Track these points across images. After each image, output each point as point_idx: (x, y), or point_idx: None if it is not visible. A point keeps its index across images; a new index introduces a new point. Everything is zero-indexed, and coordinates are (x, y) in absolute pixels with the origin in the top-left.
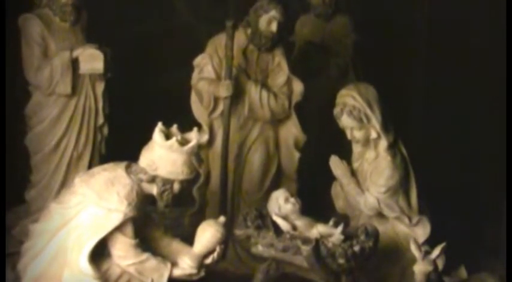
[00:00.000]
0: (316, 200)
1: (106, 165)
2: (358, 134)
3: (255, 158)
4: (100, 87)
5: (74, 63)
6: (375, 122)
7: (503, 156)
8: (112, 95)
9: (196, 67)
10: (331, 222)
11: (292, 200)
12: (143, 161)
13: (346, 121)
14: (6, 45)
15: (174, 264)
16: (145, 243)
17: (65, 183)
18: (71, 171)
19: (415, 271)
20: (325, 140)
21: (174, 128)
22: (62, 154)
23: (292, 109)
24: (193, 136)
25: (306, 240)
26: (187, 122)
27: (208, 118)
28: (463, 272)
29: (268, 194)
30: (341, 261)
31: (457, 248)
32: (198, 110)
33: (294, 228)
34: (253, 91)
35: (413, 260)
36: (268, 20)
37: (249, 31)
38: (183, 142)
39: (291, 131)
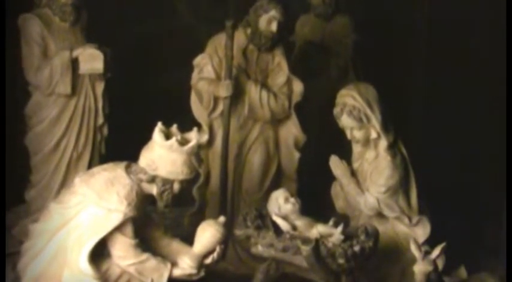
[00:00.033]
0: (316, 200)
1: (106, 165)
2: (358, 134)
3: (255, 158)
4: (100, 87)
5: (74, 63)
6: (375, 122)
7: (503, 156)
8: (112, 95)
9: (196, 67)
10: (331, 222)
11: (292, 200)
12: (143, 161)
13: (346, 121)
14: (6, 45)
15: (174, 264)
16: (145, 243)
17: (64, 183)
18: (71, 171)
19: (415, 271)
20: (325, 140)
21: (174, 128)
22: (61, 154)
23: (292, 109)
24: (193, 136)
25: (305, 240)
26: (187, 122)
27: (208, 118)
28: (463, 272)
29: (268, 194)
30: (341, 261)
31: (457, 248)
32: (198, 110)
33: (294, 228)
34: (253, 91)
35: (413, 260)
36: (268, 20)
37: (248, 31)
38: (183, 142)
39: (291, 131)
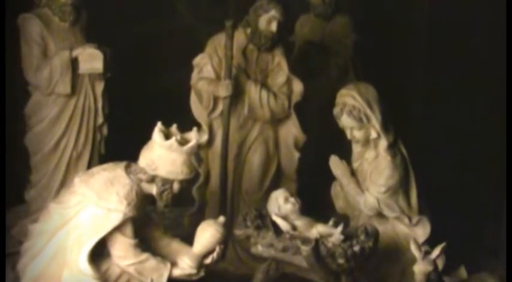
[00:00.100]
0: (316, 200)
1: (105, 165)
2: (358, 134)
3: (255, 158)
4: (99, 87)
5: (74, 63)
6: (375, 122)
7: (503, 156)
8: (112, 95)
9: (195, 67)
10: (331, 222)
11: (291, 199)
12: (143, 161)
13: (346, 121)
14: (6, 45)
15: (173, 264)
16: (144, 243)
17: (64, 183)
18: (71, 171)
19: (415, 271)
20: (325, 140)
21: (174, 128)
22: (61, 154)
23: (292, 109)
24: (193, 136)
25: (305, 240)
26: (187, 122)
27: (207, 118)
28: (463, 272)
29: (267, 194)
30: (341, 261)
31: (457, 248)
32: (198, 109)
33: (294, 228)
34: (253, 91)
35: (413, 260)
36: (268, 20)
37: (248, 31)
38: (183, 142)
39: (291, 130)
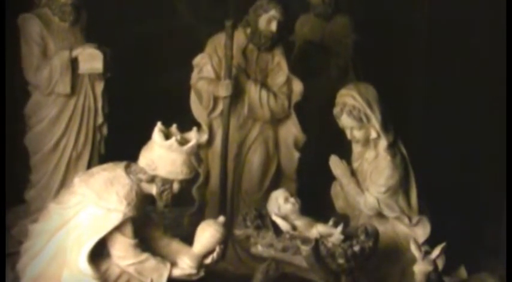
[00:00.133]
0: (316, 200)
1: (105, 165)
2: (358, 134)
3: (255, 158)
4: (99, 87)
5: (73, 63)
6: (375, 122)
7: (503, 156)
8: (111, 95)
9: (195, 67)
10: (330, 222)
11: (291, 199)
12: (142, 161)
13: (346, 121)
14: (6, 45)
15: (173, 264)
16: (144, 243)
17: (64, 183)
18: (70, 171)
19: (415, 271)
20: (325, 140)
21: (174, 128)
22: (61, 154)
23: (292, 109)
24: (193, 136)
25: (305, 240)
26: (187, 122)
27: (207, 118)
28: (463, 272)
29: (267, 193)
30: (341, 261)
31: (457, 248)
32: (198, 109)
33: (294, 228)
34: (253, 91)
35: (413, 260)
36: (268, 20)
37: (248, 31)
38: (183, 142)
39: (291, 130)
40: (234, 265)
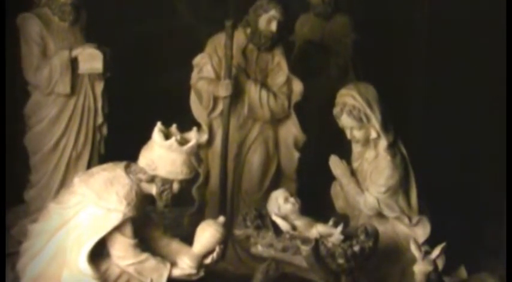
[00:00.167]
0: (315, 200)
1: (105, 165)
2: (357, 134)
3: (255, 158)
4: (99, 86)
5: (73, 62)
6: (375, 122)
7: (503, 156)
8: (111, 95)
9: (195, 67)
10: (330, 222)
11: (291, 199)
12: (142, 161)
13: (345, 121)
14: (6, 45)
15: (173, 264)
16: (144, 243)
17: (64, 183)
18: (70, 171)
19: (415, 271)
20: (325, 140)
21: (174, 128)
22: (61, 154)
23: (292, 109)
24: (193, 136)
25: (305, 240)
26: (187, 122)
27: (207, 118)
28: (463, 272)
29: (267, 193)
30: (341, 261)
31: (457, 248)
32: (198, 109)
33: (294, 228)
34: (253, 91)
35: (413, 260)
36: (268, 20)
37: (248, 30)
38: (183, 142)
39: (291, 130)
40: (234, 265)
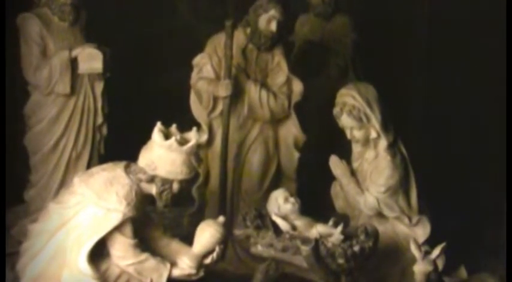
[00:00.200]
0: (315, 200)
1: (105, 165)
2: (357, 134)
3: (255, 158)
4: (99, 86)
5: (73, 62)
6: (375, 122)
7: (503, 156)
8: (111, 95)
9: (195, 67)
10: (330, 222)
11: (291, 199)
12: (142, 161)
13: (345, 121)
14: (5, 45)
15: (173, 264)
16: (144, 243)
17: (63, 183)
18: (70, 171)
19: (415, 271)
20: (325, 140)
21: (173, 128)
22: (60, 154)
23: (292, 109)
24: (193, 136)
25: (305, 240)
26: (187, 122)
27: (207, 118)
28: (463, 272)
29: (267, 193)
30: (341, 261)
31: (457, 248)
32: (197, 109)
33: (294, 228)
34: (253, 91)
35: (413, 260)
36: (268, 19)
37: (248, 30)
38: (182, 142)
39: (291, 130)
40: (234, 265)
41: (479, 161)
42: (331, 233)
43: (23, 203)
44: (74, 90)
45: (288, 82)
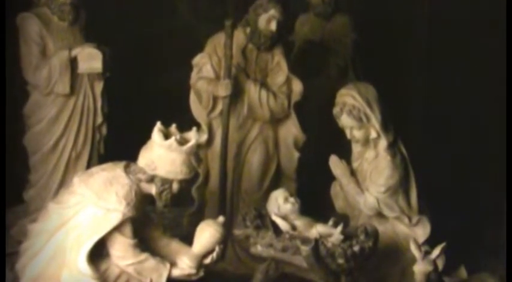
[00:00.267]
0: (315, 200)
1: (105, 165)
2: (357, 134)
3: (254, 158)
4: (99, 86)
5: (73, 62)
6: (375, 122)
7: (503, 156)
8: (111, 95)
9: (195, 66)
10: (330, 222)
11: (291, 199)
12: (142, 161)
13: (345, 120)
14: (5, 45)
15: (173, 264)
16: (144, 243)
17: (63, 183)
18: (70, 171)
19: (415, 271)
20: (325, 140)
21: (173, 128)
22: (60, 154)
23: (292, 109)
24: (192, 136)
25: (305, 240)
26: (186, 122)
27: (207, 117)
28: (463, 272)
29: (267, 193)
30: (340, 261)
31: (457, 248)
32: (197, 109)
33: (293, 228)
34: (253, 90)
35: (413, 260)
36: (268, 19)
37: (248, 30)
38: (182, 142)
39: (291, 130)
40: (234, 265)
41: (479, 161)
42: (331, 233)
43: (22, 203)
44: (73, 90)
45: (288, 82)
